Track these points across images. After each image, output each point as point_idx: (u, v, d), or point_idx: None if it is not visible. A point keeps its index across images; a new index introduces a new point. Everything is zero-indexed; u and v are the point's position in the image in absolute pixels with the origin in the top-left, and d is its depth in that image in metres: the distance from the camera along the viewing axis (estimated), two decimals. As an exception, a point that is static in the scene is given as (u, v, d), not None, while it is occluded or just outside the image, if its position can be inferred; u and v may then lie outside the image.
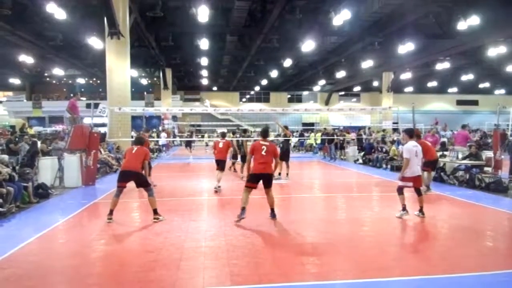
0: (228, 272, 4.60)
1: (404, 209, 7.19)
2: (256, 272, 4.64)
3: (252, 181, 6.99)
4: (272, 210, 7.11)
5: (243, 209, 6.92)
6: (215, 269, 4.77)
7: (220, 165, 10.67)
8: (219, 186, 10.35)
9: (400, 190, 7.26)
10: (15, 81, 39.84)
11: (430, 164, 9.84)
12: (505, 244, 5.95)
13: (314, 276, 4.57)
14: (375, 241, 5.98)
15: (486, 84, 43.77)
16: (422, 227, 6.86)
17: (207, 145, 29.50)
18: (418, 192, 7.26)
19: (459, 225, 7.05)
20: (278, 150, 13.25)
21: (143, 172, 7.36)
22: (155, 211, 7.13)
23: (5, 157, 9.71)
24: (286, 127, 14.24)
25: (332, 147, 19.86)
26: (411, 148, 7.16)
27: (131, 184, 7.30)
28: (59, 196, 9.74)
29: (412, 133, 7.69)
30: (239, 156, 14.11)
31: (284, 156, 12.79)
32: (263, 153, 6.94)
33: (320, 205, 9.11)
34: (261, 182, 7.02)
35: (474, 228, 6.83)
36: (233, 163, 14.77)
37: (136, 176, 7.17)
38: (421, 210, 7.20)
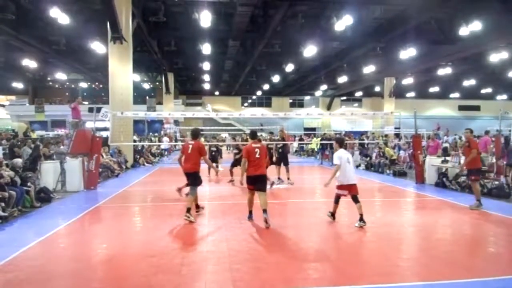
0: (230, 277, 4.59)
1: (333, 215, 7.38)
2: (258, 277, 4.63)
3: (250, 183, 7.26)
4: (264, 210, 7.00)
5: (250, 212, 7.34)
6: (217, 274, 4.75)
7: None
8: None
9: (336, 199, 7.27)
10: (18, 85, 39.96)
11: (475, 172, 8.74)
12: (508, 249, 5.91)
13: (316, 281, 4.55)
14: (377, 246, 5.97)
15: (488, 90, 43.73)
16: (424, 233, 6.84)
17: None
18: (355, 199, 7.07)
19: (462, 231, 7.03)
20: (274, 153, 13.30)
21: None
22: (188, 210, 7.38)
23: (19, 161, 9.74)
24: (281, 130, 14.21)
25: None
26: (342, 155, 7.09)
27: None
28: (61, 200, 9.76)
29: (342, 142, 7.63)
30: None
31: (283, 160, 12.71)
32: (257, 155, 7.19)
33: (322, 210, 9.06)
34: None
35: (476, 234, 6.81)
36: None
37: (192, 176, 7.64)
38: (361, 219, 6.93)
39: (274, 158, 12.72)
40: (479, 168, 8.85)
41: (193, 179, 7.65)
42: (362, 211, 6.99)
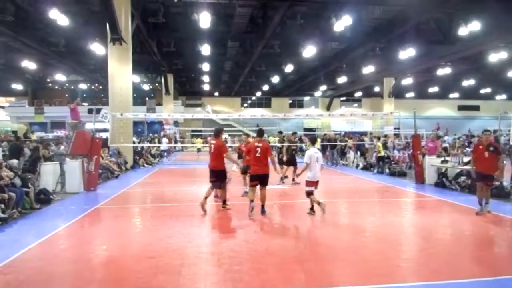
0: (230, 278, 4.58)
1: (312, 208, 7.83)
2: (258, 278, 4.63)
3: (253, 180, 7.68)
4: (263, 206, 7.71)
5: (252, 201, 7.59)
6: (217, 275, 4.75)
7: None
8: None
9: (310, 194, 7.77)
10: (18, 86, 39.91)
11: (492, 178, 8.16)
12: (508, 249, 5.92)
13: (317, 282, 4.55)
14: (377, 247, 5.96)
15: (488, 90, 43.73)
16: (424, 233, 6.84)
17: (199, 150, 29.16)
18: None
19: (461, 231, 7.02)
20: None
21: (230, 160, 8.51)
22: (224, 201, 8.28)
23: (15, 161, 9.74)
24: (294, 133, 14.63)
25: (334, 152, 19.92)
26: (312, 154, 7.76)
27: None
28: (61, 202, 9.73)
29: (314, 141, 8.39)
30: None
31: (292, 161, 12.86)
32: (257, 154, 7.53)
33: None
34: None
35: (476, 234, 6.80)
36: None
37: (217, 174, 8.00)
38: (312, 208, 7.82)
39: (284, 158, 12.88)
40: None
41: (219, 177, 8.03)
42: (314, 203, 7.79)
